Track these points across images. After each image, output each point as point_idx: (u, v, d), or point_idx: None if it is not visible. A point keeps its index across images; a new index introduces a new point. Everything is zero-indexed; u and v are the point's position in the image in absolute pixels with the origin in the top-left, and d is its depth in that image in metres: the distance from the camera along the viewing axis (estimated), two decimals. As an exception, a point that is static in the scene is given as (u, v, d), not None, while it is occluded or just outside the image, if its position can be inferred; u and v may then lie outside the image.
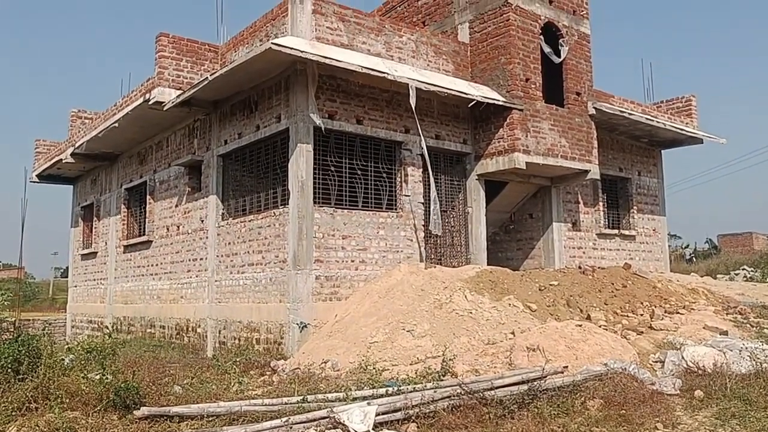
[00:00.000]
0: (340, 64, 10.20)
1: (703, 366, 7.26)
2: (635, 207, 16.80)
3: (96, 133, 15.45)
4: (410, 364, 8.35)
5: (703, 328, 9.35)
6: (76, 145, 16.93)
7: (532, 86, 12.68)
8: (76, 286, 20.73)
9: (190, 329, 13.38)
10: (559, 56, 13.34)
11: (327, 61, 10.08)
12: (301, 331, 10.26)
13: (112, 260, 17.72)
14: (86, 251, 19.59)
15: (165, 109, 12.49)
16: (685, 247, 45.55)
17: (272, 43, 9.54)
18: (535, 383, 6.62)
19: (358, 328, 9.63)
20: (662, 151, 18.01)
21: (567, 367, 7.31)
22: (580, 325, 8.47)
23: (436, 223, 11.65)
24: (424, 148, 11.76)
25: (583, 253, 14.97)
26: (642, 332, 9.18)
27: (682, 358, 7.54)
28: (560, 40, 13.44)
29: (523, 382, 6.63)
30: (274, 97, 11.29)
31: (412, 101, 10.84)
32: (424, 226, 12.08)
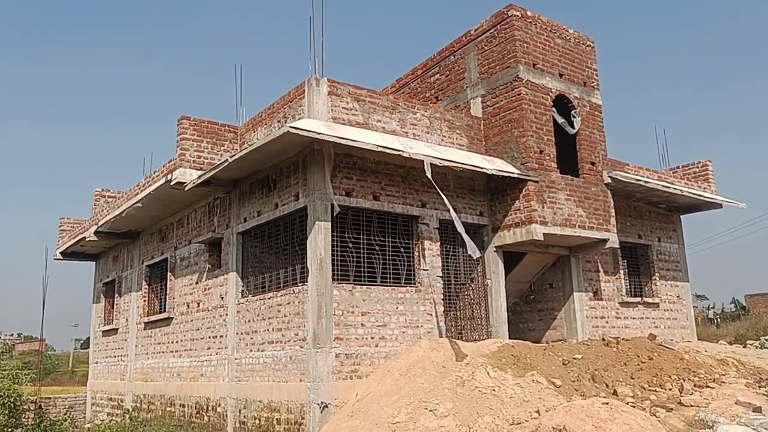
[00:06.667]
0: (355, 144, 10.43)
1: (737, 447, 7.01)
2: (657, 274, 16.59)
3: (119, 212, 15.78)
4: (433, 447, 8.16)
5: (735, 403, 9.05)
6: (100, 223, 17.27)
7: (547, 157, 12.82)
8: (96, 363, 20.71)
9: (210, 408, 13.23)
10: (573, 127, 13.53)
11: (343, 141, 10.31)
12: (321, 411, 10.10)
13: (132, 337, 17.75)
14: (107, 328, 19.67)
15: (186, 189, 12.77)
16: (710, 308, 44.54)
17: (290, 126, 9.81)
18: (563, 469, 6.43)
19: (380, 407, 9.47)
20: (681, 216, 17.92)
21: (595, 449, 7.10)
22: (607, 403, 8.25)
23: (472, 247, 11.03)
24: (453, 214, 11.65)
25: (606, 322, 14.72)
26: (672, 409, 8.92)
27: (715, 438, 7.29)
28: (572, 112, 13.66)
29: (550, 468, 6.44)
30: (292, 176, 11.52)
31: (429, 175, 10.98)
32: (443, 300, 12.02)
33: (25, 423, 14.34)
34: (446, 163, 11.48)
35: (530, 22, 13.34)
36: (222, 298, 13.29)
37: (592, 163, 13.67)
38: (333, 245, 10.83)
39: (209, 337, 13.67)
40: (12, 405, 14.94)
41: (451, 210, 11.37)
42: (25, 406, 15.93)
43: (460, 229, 10.99)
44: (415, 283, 11.77)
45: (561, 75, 13.62)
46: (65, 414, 10.74)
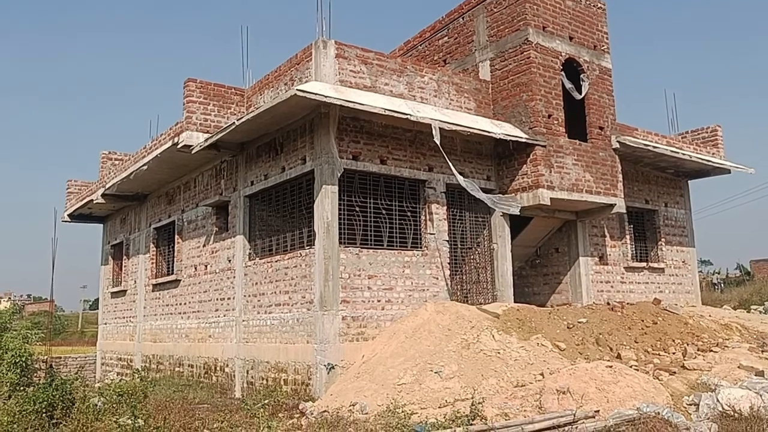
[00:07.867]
0: (363, 107, 10.37)
1: (740, 409, 7.11)
2: (663, 239, 16.60)
3: (126, 174, 15.80)
4: (439, 407, 8.30)
5: (738, 367, 9.15)
6: (107, 185, 17.31)
7: (555, 122, 12.72)
8: (105, 324, 21.01)
9: (218, 368, 13.46)
10: (581, 92, 13.39)
11: (350, 104, 10.25)
12: (328, 373, 10.26)
13: (141, 298, 17.96)
14: (116, 289, 19.89)
15: (193, 152, 12.76)
16: (715, 273, 44.67)
17: (297, 89, 9.74)
18: (566, 428, 6.55)
19: (386, 369, 9.61)
20: (689, 181, 17.84)
21: (598, 411, 7.22)
22: (611, 366, 8.37)
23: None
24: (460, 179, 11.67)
25: (611, 287, 14.79)
26: (674, 372, 9.02)
27: (717, 400, 7.39)
28: (581, 76, 13.50)
29: (554, 428, 6.57)
30: (299, 140, 11.49)
31: (437, 139, 10.94)
32: (449, 263, 12.08)
33: (37, 382, 14.62)
34: (454, 127, 11.42)
35: (541, -17, 13.09)
36: (229, 260, 13.39)
37: (601, 128, 13.56)
38: (340, 209, 10.86)
39: (217, 299, 13.82)
40: (24, 364, 15.21)
41: (455, 173, 11.37)
42: (36, 366, 16.21)
43: (467, 186, 11.08)
44: (421, 247, 11.82)
45: (571, 38, 13.42)
46: (76, 373, 10.95)
